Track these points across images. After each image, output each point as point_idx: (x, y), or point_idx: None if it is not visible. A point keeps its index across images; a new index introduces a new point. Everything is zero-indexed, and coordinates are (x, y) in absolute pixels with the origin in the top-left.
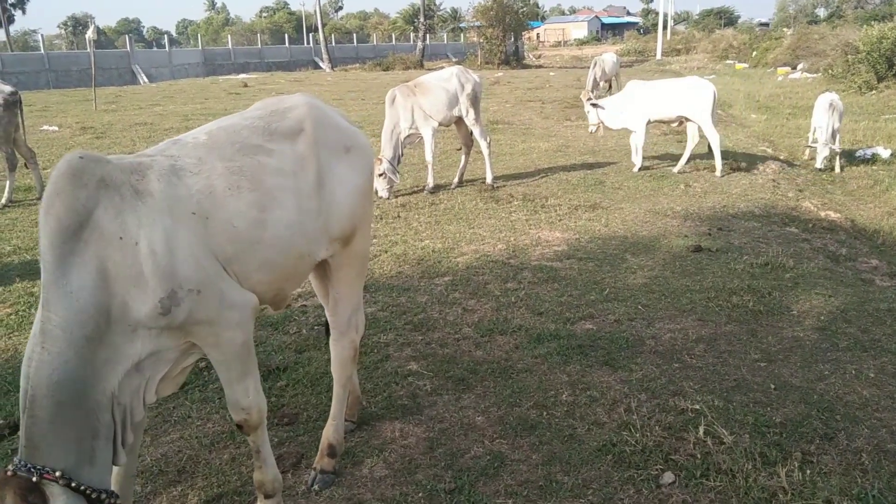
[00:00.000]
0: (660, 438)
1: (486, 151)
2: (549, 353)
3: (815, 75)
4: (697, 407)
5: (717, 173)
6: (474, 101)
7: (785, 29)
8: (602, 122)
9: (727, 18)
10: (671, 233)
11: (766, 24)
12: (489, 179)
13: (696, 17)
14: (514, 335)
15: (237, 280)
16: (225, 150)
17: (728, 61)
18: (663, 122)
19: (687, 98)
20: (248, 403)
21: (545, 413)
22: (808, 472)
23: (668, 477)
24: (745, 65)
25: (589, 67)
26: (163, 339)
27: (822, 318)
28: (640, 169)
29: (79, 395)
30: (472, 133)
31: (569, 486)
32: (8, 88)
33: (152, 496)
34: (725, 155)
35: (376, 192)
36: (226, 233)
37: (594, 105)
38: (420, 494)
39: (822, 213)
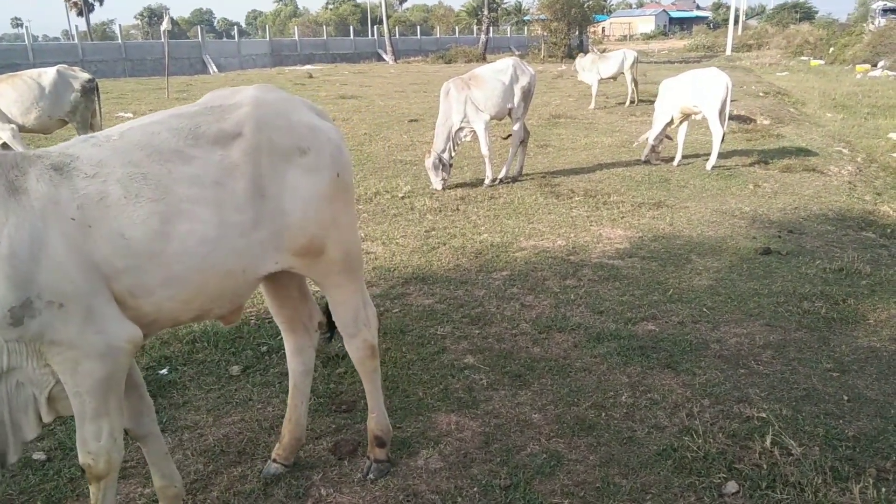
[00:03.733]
0: (723, 446)
1: (514, 149)
2: (609, 352)
3: None
4: (764, 415)
5: (708, 167)
6: (527, 94)
7: (865, 24)
8: (652, 140)
9: (803, 13)
10: (739, 234)
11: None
12: (499, 174)
13: (770, 11)
14: (573, 333)
15: (132, 296)
16: (133, 153)
17: (802, 58)
18: (690, 113)
19: (699, 89)
20: (96, 448)
21: (604, 414)
22: (884, 489)
23: (731, 486)
24: (821, 61)
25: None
26: (17, 357)
27: None
28: (678, 164)
29: None
30: (520, 127)
31: (627, 490)
32: (85, 76)
33: (214, 475)
34: (798, 153)
35: (430, 184)
36: (112, 244)
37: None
38: (475, 489)
39: None
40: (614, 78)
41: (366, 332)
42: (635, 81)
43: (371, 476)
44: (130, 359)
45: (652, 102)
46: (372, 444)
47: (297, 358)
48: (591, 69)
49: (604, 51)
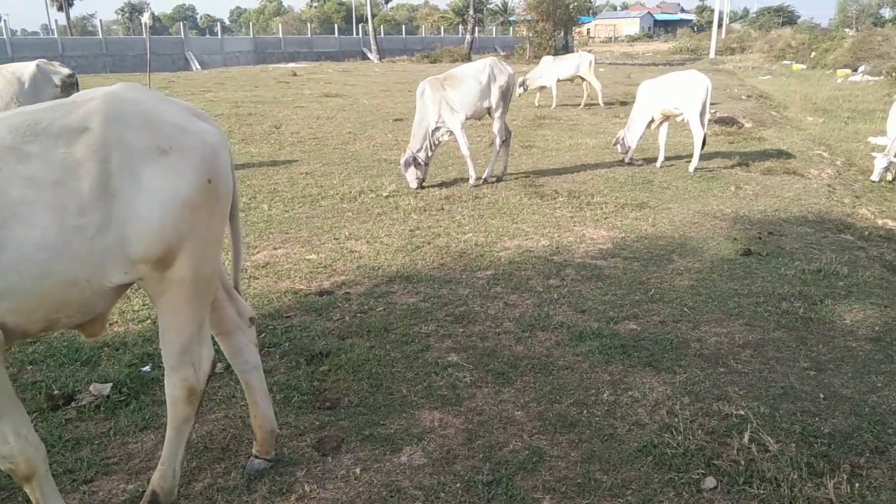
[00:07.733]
0: (702, 443)
1: (496, 149)
2: (591, 351)
3: (877, 78)
4: (742, 413)
5: (691, 169)
6: (505, 94)
7: (846, 30)
8: (631, 142)
9: (786, 17)
10: (720, 235)
11: None
12: (483, 174)
13: (754, 14)
14: (556, 332)
15: None
16: None
17: (785, 62)
18: (670, 115)
19: (679, 91)
20: (8, 452)
21: (585, 411)
22: (857, 485)
23: (709, 482)
24: (803, 66)
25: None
26: None
27: (877, 328)
28: (660, 165)
29: None
30: (500, 126)
31: (608, 486)
32: (66, 71)
33: (197, 472)
34: (780, 155)
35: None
36: None
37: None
38: (458, 485)
39: (880, 221)
40: (571, 80)
41: (189, 372)
42: (593, 83)
43: None
44: None
45: (632, 104)
46: (144, 499)
47: (239, 358)
48: (548, 72)
49: (589, 52)
